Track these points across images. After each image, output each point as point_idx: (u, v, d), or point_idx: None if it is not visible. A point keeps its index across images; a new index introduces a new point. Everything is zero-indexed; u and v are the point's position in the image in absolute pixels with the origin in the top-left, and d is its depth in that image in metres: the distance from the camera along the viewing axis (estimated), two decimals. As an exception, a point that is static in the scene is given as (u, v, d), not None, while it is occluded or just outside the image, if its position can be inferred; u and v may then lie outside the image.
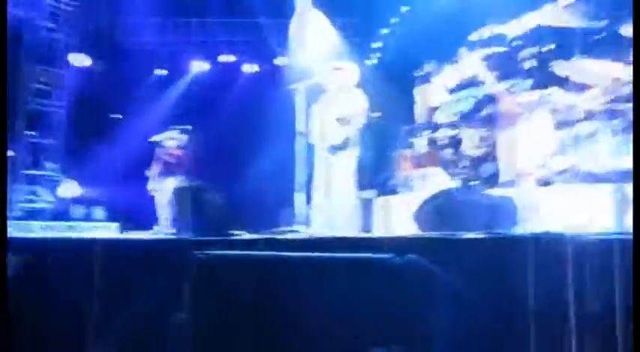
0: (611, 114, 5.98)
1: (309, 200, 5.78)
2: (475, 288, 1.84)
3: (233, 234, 3.15)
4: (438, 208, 4.26)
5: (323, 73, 5.39)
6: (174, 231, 4.05)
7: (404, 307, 1.46)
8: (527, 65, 7.35)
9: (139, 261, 2.36)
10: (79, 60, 9.87)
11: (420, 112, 8.72)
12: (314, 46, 8.29)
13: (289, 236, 2.97)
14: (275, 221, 6.03)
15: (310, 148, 5.52)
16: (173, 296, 2.06)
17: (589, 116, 6.16)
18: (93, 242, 2.69)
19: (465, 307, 1.74)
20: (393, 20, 10.01)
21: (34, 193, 10.00)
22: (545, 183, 5.91)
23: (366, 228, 6.61)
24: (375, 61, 10.24)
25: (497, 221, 4.69)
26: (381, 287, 1.53)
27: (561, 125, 6.25)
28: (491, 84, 8.09)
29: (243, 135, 8.73)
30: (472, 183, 6.68)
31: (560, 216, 5.44)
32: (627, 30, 5.82)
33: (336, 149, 5.24)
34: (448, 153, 7.22)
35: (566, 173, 5.84)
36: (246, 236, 3.05)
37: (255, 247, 2.63)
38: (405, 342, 1.46)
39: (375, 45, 10.39)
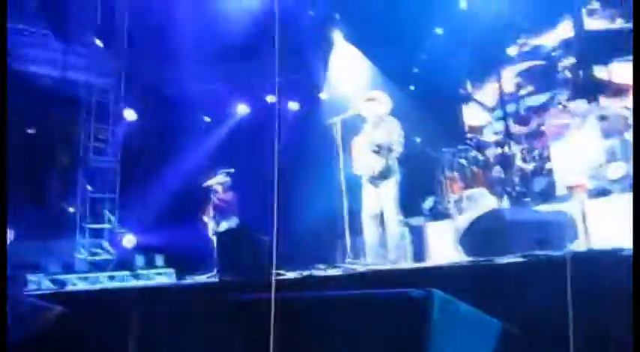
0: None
1: (358, 233, 5.78)
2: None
3: (278, 274, 3.18)
4: (484, 231, 4.16)
5: (357, 105, 5.45)
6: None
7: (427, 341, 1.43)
8: (567, 74, 7.19)
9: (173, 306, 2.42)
10: (130, 114, 10.35)
11: (464, 133, 8.64)
12: (350, 80, 8.42)
13: (329, 272, 2.97)
14: (328, 257, 6.03)
15: (355, 180, 5.55)
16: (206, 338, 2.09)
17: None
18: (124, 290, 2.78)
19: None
20: (428, 44, 10.00)
21: (98, 246, 10.43)
22: (601, 192, 5.67)
23: (419, 256, 6.52)
24: (413, 88, 10.21)
25: (552, 238, 4.54)
26: (400, 323, 1.50)
27: (611, 131, 6.01)
28: (534, 96, 7.95)
29: (288, 174, 8.84)
30: (524, 199, 6.48)
31: (617, 228, 5.21)
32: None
33: (376, 179, 5.25)
34: (497, 171, 7.06)
35: (623, 181, 5.58)
36: (289, 275, 3.07)
37: (297, 287, 2.65)
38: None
39: (413, 70, 10.38)
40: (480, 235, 4.17)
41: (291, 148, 9.42)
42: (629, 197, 5.40)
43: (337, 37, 9.95)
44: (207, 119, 10.93)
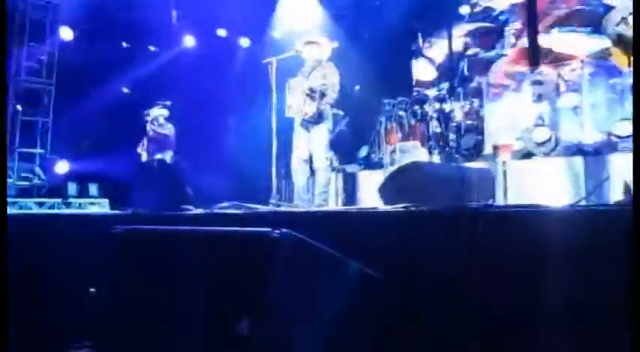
0: (592, 86, 5.92)
1: (286, 174, 5.81)
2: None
3: (185, 210, 3.19)
4: (403, 182, 4.25)
5: (297, 47, 5.35)
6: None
7: (274, 282, 1.47)
8: (512, 39, 7.28)
9: (72, 236, 2.40)
10: (68, 35, 9.81)
11: (409, 86, 8.68)
12: (296, 21, 8.23)
13: (231, 210, 2.99)
14: (253, 195, 6.03)
15: (289, 122, 5.53)
16: (90, 270, 2.10)
17: (571, 88, 6.10)
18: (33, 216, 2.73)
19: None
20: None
21: (29, 171, 10.08)
22: (525, 154, 5.88)
23: (349, 203, 6.64)
24: (364, 35, 10.08)
25: (470, 193, 4.70)
26: (251, 262, 1.54)
27: (543, 97, 6.17)
28: (479, 56, 8.03)
29: (223, 110, 8.74)
30: (455, 156, 6.65)
31: (539, 189, 5.46)
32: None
33: (308, 123, 5.24)
34: (433, 126, 7.16)
35: (547, 145, 5.79)
36: (196, 211, 3.08)
37: (198, 222, 2.66)
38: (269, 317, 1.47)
39: (365, 17, 10.21)
40: (399, 186, 4.27)
41: (234, 85, 9.28)
42: (550, 160, 5.65)
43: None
44: (151, 48, 10.50)
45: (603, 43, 5.92)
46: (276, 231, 1.50)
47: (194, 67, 9.19)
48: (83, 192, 9.99)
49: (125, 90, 10.00)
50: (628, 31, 3.75)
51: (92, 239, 2.29)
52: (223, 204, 3.05)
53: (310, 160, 5.34)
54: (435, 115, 7.25)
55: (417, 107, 7.39)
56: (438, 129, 7.02)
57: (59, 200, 9.65)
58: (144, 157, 8.08)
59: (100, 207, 9.38)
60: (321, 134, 5.24)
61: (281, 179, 5.80)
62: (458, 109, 7.18)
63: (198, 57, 9.80)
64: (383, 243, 2.10)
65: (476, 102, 7.07)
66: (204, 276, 1.60)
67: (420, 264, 2.02)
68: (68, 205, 9.69)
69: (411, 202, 4.06)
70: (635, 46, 2.20)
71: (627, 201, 1.73)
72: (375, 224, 2.22)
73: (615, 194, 3.99)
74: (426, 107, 7.31)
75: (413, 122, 7.26)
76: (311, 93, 5.11)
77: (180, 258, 1.70)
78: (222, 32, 10.28)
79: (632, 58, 3.73)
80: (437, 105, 7.24)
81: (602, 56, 6.01)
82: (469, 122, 6.97)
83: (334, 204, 6.61)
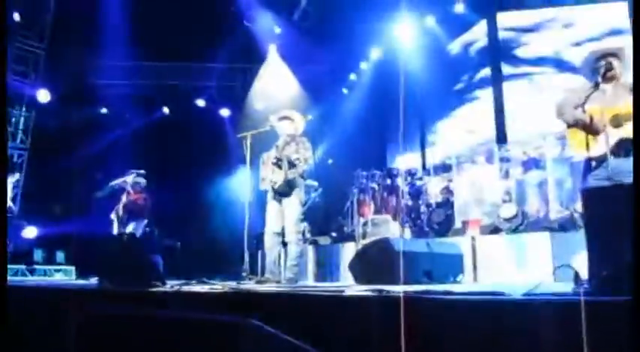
0: (559, 163, 6.16)
1: (258, 247, 5.79)
2: None
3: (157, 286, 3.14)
4: (373, 258, 4.29)
5: (271, 122, 5.48)
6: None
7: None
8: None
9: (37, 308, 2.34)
10: (45, 98, 9.88)
11: (382, 159, 8.91)
12: (273, 95, 8.51)
13: (195, 288, 2.95)
14: (227, 267, 6.00)
15: (263, 195, 5.58)
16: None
17: (536, 164, 6.34)
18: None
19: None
20: (363, 66, 10.26)
21: (-5, 236, 9.82)
22: (494, 230, 6.00)
23: (323, 275, 6.61)
24: (343, 108, 10.43)
25: (439, 270, 4.75)
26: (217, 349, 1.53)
27: (510, 174, 6.38)
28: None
29: (198, 181, 8.78)
30: (425, 229, 6.74)
31: (507, 264, 5.53)
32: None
33: (278, 195, 5.28)
34: (405, 199, 7.29)
35: (514, 220, 5.93)
36: (162, 289, 3.04)
37: (164, 301, 2.63)
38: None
39: (344, 90, 10.60)
40: (368, 262, 4.31)
41: (212, 156, 9.37)
42: (517, 237, 5.76)
43: (272, 51, 10.07)
44: (127, 115, 10.63)
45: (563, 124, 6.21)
46: (241, 320, 1.50)
47: (171, 135, 9.28)
48: (50, 259, 9.75)
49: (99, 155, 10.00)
50: (584, 115, 3.95)
51: (56, 313, 2.24)
52: (192, 282, 3.01)
53: (282, 233, 5.34)
54: (406, 189, 7.40)
55: (389, 180, 7.54)
56: (410, 203, 7.14)
57: (23, 266, 9.38)
58: (116, 225, 7.98)
59: (66, 274, 9.13)
60: (293, 206, 5.26)
61: (253, 251, 5.77)
62: (429, 183, 7.36)
63: (174, 126, 9.92)
64: (345, 329, 2.10)
65: (446, 177, 7.27)
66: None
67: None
68: (33, 272, 9.41)
69: (380, 278, 4.11)
70: (635, 45, 2.31)
71: (577, 291, 1.79)
72: (339, 307, 2.22)
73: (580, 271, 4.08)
74: (398, 180, 7.46)
75: (385, 195, 7.37)
76: (277, 162, 5.18)
77: (143, 344, 1.68)
78: (200, 102, 10.50)
79: (587, 141, 3.89)
80: (409, 179, 7.40)
81: (564, 136, 6.29)
82: (440, 196, 7.12)
83: (306, 277, 6.57)
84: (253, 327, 1.51)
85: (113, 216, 8.14)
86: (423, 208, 7.09)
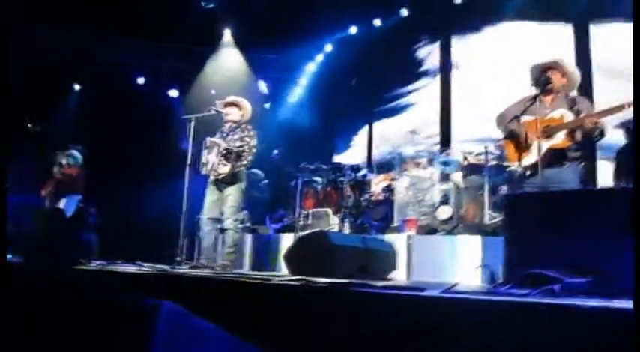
0: (496, 169, 6.36)
1: (195, 232, 5.71)
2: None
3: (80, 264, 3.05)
4: (308, 250, 4.31)
5: (217, 107, 5.42)
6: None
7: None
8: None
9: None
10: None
11: (328, 152, 8.96)
12: (224, 80, 8.39)
13: (124, 268, 2.89)
14: (161, 251, 5.88)
15: (203, 179, 5.50)
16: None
17: (475, 170, 6.52)
18: None
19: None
20: (318, 58, 10.27)
21: None
22: (430, 231, 6.14)
23: (257, 265, 6.59)
24: (294, 99, 10.42)
25: (373, 265, 4.82)
26: (126, 332, 1.50)
27: (448, 177, 6.56)
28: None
29: (138, 161, 8.56)
30: (364, 225, 6.83)
31: (440, 265, 5.67)
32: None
33: (221, 183, 5.24)
34: (348, 194, 7.34)
35: (449, 222, 6.09)
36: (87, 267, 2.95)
37: (87, 279, 2.55)
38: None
39: (299, 80, 10.56)
40: (303, 254, 4.32)
41: (155, 136, 9.14)
42: (451, 238, 5.92)
43: (227, 35, 9.91)
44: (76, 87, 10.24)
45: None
46: (154, 301, 1.47)
47: (115, 111, 8.95)
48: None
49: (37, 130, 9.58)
50: (519, 126, 4.11)
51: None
52: (117, 262, 2.94)
53: (220, 220, 5.30)
54: (349, 184, 7.45)
55: (333, 175, 7.57)
56: (352, 199, 7.20)
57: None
58: (48, 201, 7.69)
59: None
60: (234, 194, 5.24)
61: (190, 236, 5.69)
62: (372, 181, 7.45)
63: (118, 104, 9.56)
64: (269, 315, 2.10)
65: (389, 175, 7.37)
66: (75, 343, 1.53)
67: (302, 339, 2.04)
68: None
69: (315, 270, 4.13)
70: (635, 46, 2.40)
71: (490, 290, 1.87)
72: (266, 294, 2.22)
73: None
74: (342, 175, 7.50)
75: (328, 189, 7.41)
76: (227, 155, 5.14)
77: (47, 324, 1.62)
78: (142, 80, 10.18)
79: (521, 151, 4.05)
80: (353, 175, 7.46)
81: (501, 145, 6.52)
82: (381, 194, 7.22)
83: (243, 265, 6.54)
84: (171, 308, 1.49)
85: (44, 192, 7.85)
86: (364, 204, 7.17)
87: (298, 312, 2.04)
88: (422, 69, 9.11)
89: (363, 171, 7.52)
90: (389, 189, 7.22)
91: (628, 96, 3.60)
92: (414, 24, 8.77)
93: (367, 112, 9.17)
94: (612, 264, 1.99)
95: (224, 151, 5.15)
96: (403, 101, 9.19)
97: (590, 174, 6.10)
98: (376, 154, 8.85)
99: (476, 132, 7.34)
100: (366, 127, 9.34)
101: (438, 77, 8.88)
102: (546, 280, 1.79)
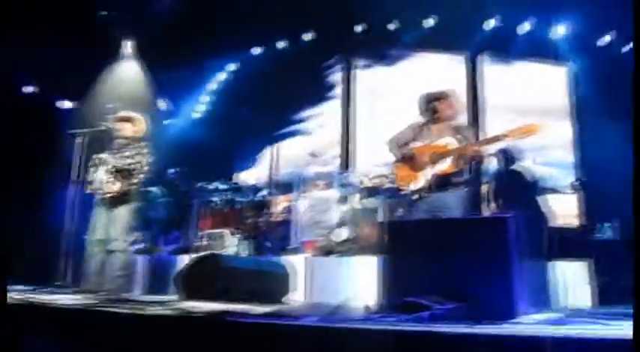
0: (391, 192, 6.57)
1: (79, 255, 5.36)
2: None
3: None
4: (199, 273, 4.19)
5: (109, 122, 5.17)
6: None
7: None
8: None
9: None
10: None
11: (227, 171, 8.82)
12: (121, 94, 8.06)
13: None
14: (43, 274, 5.46)
15: (91, 199, 5.19)
16: None
17: (372, 192, 6.70)
18: None
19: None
20: (220, 76, 10.15)
21: None
22: (327, 252, 6.19)
23: (155, 288, 6.28)
24: (196, 117, 10.21)
25: (267, 288, 4.77)
26: None
27: (346, 199, 6.68)
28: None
29: (20, 177, 7.94)
30: (265, 245, 6.76)
31: (337, 287, 5.72)
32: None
33: (110, 202, 4.97)
34: (247, 214, 7.24)
35: (346, 244, 6.18)
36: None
37: None
38: None
39: (201, 98, 10.37)
40: (193, 277, 4.20)
41: (40, 150, 8.52)
42: (347, 259, 6.00)
43: (128, 47, 9.52)
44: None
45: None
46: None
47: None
48: None
49: None
50: (410, 152, 4.28)
51: None
52: None
53: (108, 241, 5.02)
54: (248, 205, 7.36)
55: (232, 195, 7.46)
56: (251, 219, 7.11)
57: None
58: None
59: None
60: (124, 214, 4.98)
61: (75, 258, 5.33)
62: (272, 201, 7.41)
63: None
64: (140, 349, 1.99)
65: (289, 196, 7.38)
66: None
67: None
68: None
69: (206, 294, 4.02)
70: (635, 46, 2.46)
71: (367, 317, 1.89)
72: (138, 325, 2.10)
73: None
74: (242, 196, 7.41)
75: (227, 209, 7.27)
76: (116, 173, 4.90)
77: None
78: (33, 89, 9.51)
79: (411, 175, 4.21)
80: (252, 195, 7.40)
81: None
82: (281, 215, 7.20)
83: (134, 289, 6.22)
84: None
85: None
86: (263, 225, 7.11)
87: (171, 344, 1.95)
88: (325, 92, 9.29)
89: (263, 192, 7.48)
90: (288, 210, 7.23)
91: (506, 127, 3.90)
92: (318, 48, 8.94)
93: (270, 133, 9.18)
94: (481, 290, 2.09)
95: (113, 169, 4.90)
96: (306, 123, 9.31)
97: (475, 199, 6.47)
98: (277, 175, 8.85)
99: (375, 155, 7.56)
100: (268, 148, 9.32)
101: (340, 101, 9.09)
102: (418, 307, 1.84)
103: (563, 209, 7.78)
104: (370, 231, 6.45)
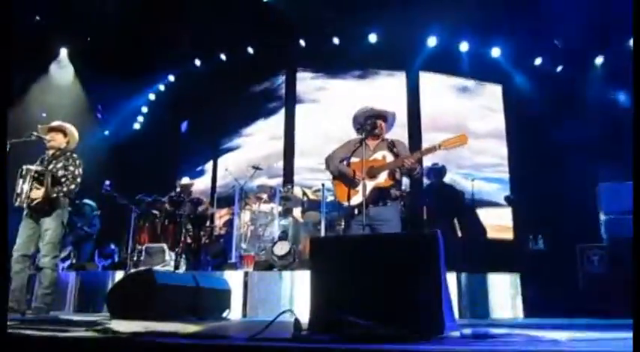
0: (332, 205, 6.61)
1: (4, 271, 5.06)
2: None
3: None
4: (132, 291, 4.05)
5: (39, 132, 4.94)
6: None
7: None
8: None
9: None
10: None
11: (170, 184, 8.62)
12: (53, 104, 7.77)
13: None
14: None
15: (18, 212, 4.93)
16: None
17: (313, 206, 6.73)
18: None
19: None
20: (161, 87, 9.97)
21: None
22: (268, 266, 6.13)
23: (83, 306, 6.03)
24: (135, 128, 9.96)
25: (205, 305, 4.66)
26: None
27: (287, 213, 6.67)
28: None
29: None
30: (205, 259, 6.64)
31: (277, 301, 5.67)
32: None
33: (37, 214, 4.74)
34: (186, 230, 7.09)
35: (287, 258, 6.14)
36: None
37: None
38: None
39: (141, 109, 10.13)
40: (128, 294, 4.04)
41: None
42: (287, 274, 5.97)
43: (63, 55, 9.20)
44: None
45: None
46: None
47: None
48: None
49: None
50: (347, 168, 4.31)
51: None
52: None
53: (34, 257, 4.78)
54: (188, 218, 7.22)
55: (171, 207, 7.29)
56: (191, 233, 6.98)
57: None
58: None
59: None
60: (53, 229, 4.74)
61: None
62: (213, 214, 7.31)
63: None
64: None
65: (231, 209, 7.30)
66: None
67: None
68: None
69: (140, 312, 3.87)
70: (635, 46, 2.45)
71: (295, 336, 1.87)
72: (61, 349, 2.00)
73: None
74: (182, 209, 7.26)
75: (166, 222, 7.10)
76: (39, 177, 4.67)
77: None
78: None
79: (349, 190, 4.24)
80: (192, 209, 7.26)
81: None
82: (222, 229, 7.11)
83: (64, 307, 5.96)
84: None
85: None
86: (203, 240, 6.99)
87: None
88: (267, 105, 9.28)
89: (204, 205, 7.35)
90: (229, 224, 7.14)
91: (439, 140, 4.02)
92: (261, 61, 8.94)
93: (212, 145, 9.08)
94: (407, 306, 2.12)
95: (35, 175, 4.67)
96: (248, 136, 9.26)
97: (411, 212, 6.61)
98: (218, 188, 8.74)
99: (315, 169, 7.61)
100: (210, 160, 9.22)
101: (283, 114, 9.11)
102: (346, 325, 1.84)
103: (497, 222, 8.08)
104: (309, 245, 6.46)
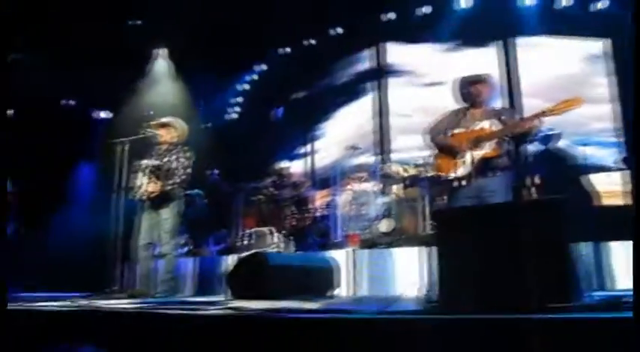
0: (434, 180, 6.46)
1: (130, 260, 5.48)
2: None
3: None
4: (247, 273, 4.22)
5: (151, 129, 5.26)
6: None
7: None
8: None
9: None
10: None
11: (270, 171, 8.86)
12: (158, 101, 8.20)
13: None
14: (95, 281, 5.60)
15: (135, 205, 5.30)
16: None
17: (414, 181, 6.60)
18: None
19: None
20: (254, 76, 10.22)
21: None
22: (372, 244, 6.13)
23: (204, 289, 6.37)
24: (233, 117, 10.32)
25: (315, 284, 4.76)
26: None
27: (390, 190, 6.61)
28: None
29: (66, 187, 8.20)
30: (308, 242, 6.77)
31: (384, 279, 5.66)
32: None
33: (154, 206, 5.07)
34: (290, 212, 7.27)
35: (391, 235, 6.11)
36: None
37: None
38: None
39: (237, 99, 10.46)
40: (242, 276, 4.23)
41: (82, 160, 8.76)
42: (393, 251, 5.94)
43: (162, 54, 9.69)
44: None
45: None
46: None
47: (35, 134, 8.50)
48: None
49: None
50: (450, 139, 4.18)
51: None
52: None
53: (155, 244, 5.13)
54: (289, 201, 7.39)
55: (274, 192, 7.50)
56: (294, 216, 7.14)
57: None
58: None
59: None
60: (170, 218, 5.08)
61: (124, 265, 5.46)
62: (314, 196, 7.42)
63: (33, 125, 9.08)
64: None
65: (331, 190, 7.36)
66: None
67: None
68: None
69: (256, 293, 4.04)
70: (635, 46, 2.39)
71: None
72: (188, 327, 2.12)
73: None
74: (284, 193, 7.44)
75: (270, 207, 7.32)
76: (156, 172, 4.99)
77: None
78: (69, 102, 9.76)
79: (453, 163, 4.11)
80: (294, 192, 7.41)
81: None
82: (323, 210, 7.19)
83: (185, 290, 6.34)
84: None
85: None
86: (306, 221, 7.13)
87: (225, 345, 1.96)
88: (360, 84, 9.20)
89: (304, 188, 7.48)
90: (330, 205, 7.21)
91: (547, 104, 3.76)
92: (345, 41, 8.88)
93: (307, 129, 9.19)
94: (541, 276, 2.02)
95: (152, 168, 5.00)
96: (343, 116, 9.26)
97: (519, 182, 6.28)
98: (317, 170, 8.83)
99: (414, 144, 7.45)
100: (307, 143, 9.34)
101: (377, 91, 8.99)
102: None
103: (609, 188, 7.49)
104: (413, 222, 6.37)
